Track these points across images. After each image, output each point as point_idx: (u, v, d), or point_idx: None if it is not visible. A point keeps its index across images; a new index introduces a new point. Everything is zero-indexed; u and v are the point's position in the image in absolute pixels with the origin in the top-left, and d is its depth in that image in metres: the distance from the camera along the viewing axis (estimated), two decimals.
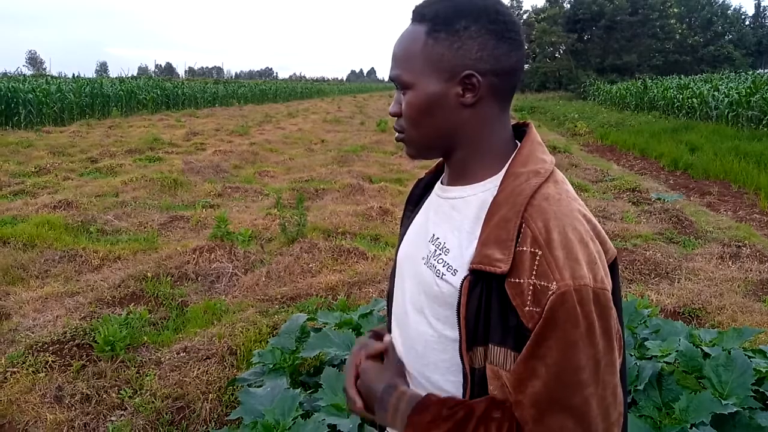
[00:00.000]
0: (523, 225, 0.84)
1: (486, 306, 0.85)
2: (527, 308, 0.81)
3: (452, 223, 0.94)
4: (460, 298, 0.87)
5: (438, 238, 0.95)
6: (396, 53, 0.93)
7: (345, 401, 1.10)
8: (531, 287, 0.81)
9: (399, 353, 1.03)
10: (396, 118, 0.97)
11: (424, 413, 0.89)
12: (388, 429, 0.99)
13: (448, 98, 0.89)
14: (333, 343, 2.80)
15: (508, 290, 0.83)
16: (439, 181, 1.04)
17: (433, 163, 1.09)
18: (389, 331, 1.11)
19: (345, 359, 2.75)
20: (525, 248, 0.83)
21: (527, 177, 0.88)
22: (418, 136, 0.95)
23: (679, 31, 52.23)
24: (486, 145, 0.94)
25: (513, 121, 1.01)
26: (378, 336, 1.16)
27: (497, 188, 0.90)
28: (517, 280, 0.82)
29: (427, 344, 0.95)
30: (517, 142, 0.98)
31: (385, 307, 1.18)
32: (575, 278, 0.80)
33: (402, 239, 1.10)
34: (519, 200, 0.86)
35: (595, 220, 0.92)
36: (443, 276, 0.91)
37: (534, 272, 0.81)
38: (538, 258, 0.82)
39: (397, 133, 0.99)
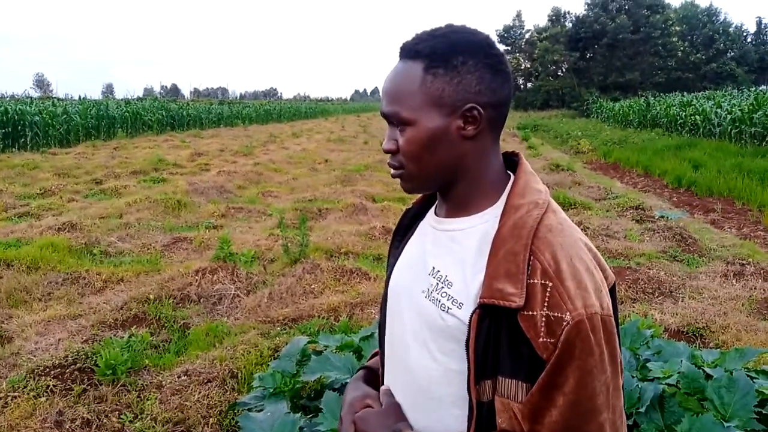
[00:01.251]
0: (532, 258, 0.86)
1: (495, 339, 0.86)
2: (541, 339, 0.83)
3: (453, 255, 0.95)
4: (469, 331, 0.87)
5: (439, 271, 0.95)
6: (391, 90, 0.93)
7: None
8: (544, 319, 0.83)
9: (396, 389, 1.02)
10: (390, 155, 0.97)
11: None
12: None
13: (449, 132, 0.91)
14: (334, 367, 2.78)
15: (521, 323, 0.84)
16: (432, 213, 1.04)
17: None
18: (382, 363, 1.10)
19: (346, 383, 2.74)
20: (536, 281, 0.85)
21: (528, 209, 0.90)
22: (419, 172, 0.95)
23: (681, 48, 52.54)
24: (483, 177, 0.95)
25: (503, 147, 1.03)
26: (370, 372, 1.16)
27: (497, 220, 0.92)
28: (530, 313, 0.83)
29: (431, 378, 0.95)
30: (508, 172, 0.99)
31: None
32: (587, 307, 0.83)
33: (392, 270, 1.09)
34: (524, 233, 0.87)
35: (594, 248, 0.95)
36: (449, 310, 0.91)
37: (546, 304, 0.83)
38: (549, 290, 0.84)
39: (393, 170, 0.98)
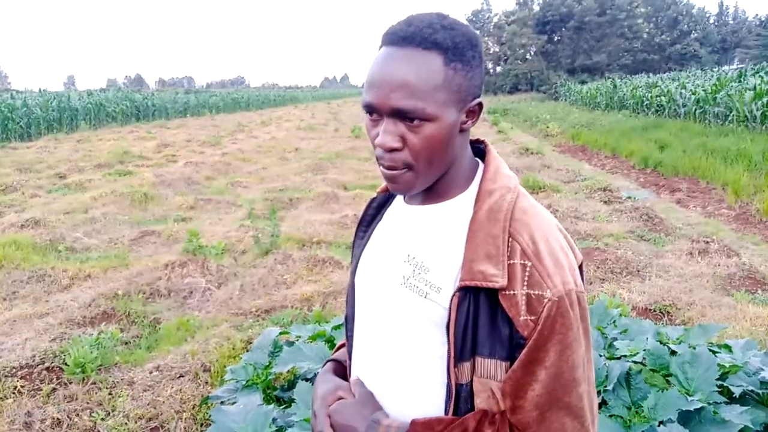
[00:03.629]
0: (511, 239, 0.87)
1: (474, 320, 0.87)
2: (522, 317, 0.85)
3: (429, 241, 0.95)
4: (449, 315, 0.88)
5: (414, 258, 0.95)
6: (408, 83, 0.85)
7: None
8: (524, 297, 0.85)
9: (368, 379, 1.02)
10: (389, 152, 0.89)
11: None
12: None
13: (457, 126, 0.90)
14: (306, 357, 2.78)
15: (502, 302, 0.85)
16: (400, 200, 1.04)
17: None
18: (350, 355, 1.09)
19: (318, 372, 2.74)
20: (515, 261, 0.86)
21: (501, 193, 0.91)
22: (430, 170, 0.91)
23: (647, 30, 53.39)
24: (461, 166, 0.96)
25: None
26: (338, 364, 1.15)
27: (471, 205, 0.93)
28: (511, 292, 0.85)
29: (409, 365, 0.95)
30: (477, 159, 1.00)
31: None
32: (564, 284, 0.86)
33: (358, 261, 1.08)
34: (501, 216, 0.89)
35: (563, 229, 0.97)
36: (427, 295, 0.91)
37: (526, 283, 0.85)
38: (528, 269, 0.86)
39: (392, 171, 0.90)
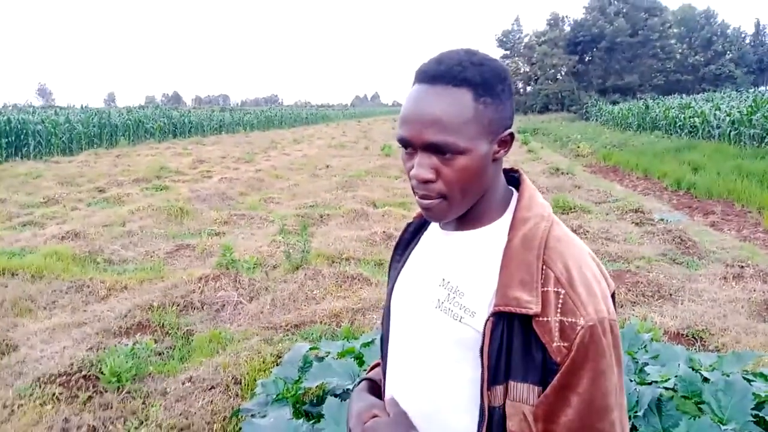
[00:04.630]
0: (544, 267, 0.91)
1: (508, 345, 0.90)
2: (555, 344, 0.87)
3: (464, 266, 0.99)
4: (483, 339, 0.91)
5: (449, 282, 0.99)
6: (440, 118, 0.89)
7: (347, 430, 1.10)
8: (558, 324, 0.88)
9: (402, 399, 1.05)
10: (423, 183, 0.93)
11: None
12: None
13: (489, 157, 0.94)
14: (335, 373, 2.82)
15: (536, 328, 0.89)
16: (436, 226, 1.08)
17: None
18: (384, 374, 1.13)
19: (347, 389, 2.77)
20: (549, 288, 0.89)
21: (536, 221, 0.95)
22: (464, 199, 0.95)
23: (680, 51, 52.69)
24: (495, 194, 1.00)
25: None
26: (372, 383, 1.19)
27: (506, 232, 0.97)
28: (545, 319, 0.88)
29: (443, 386, 0.98)
30: (511, 188, 1.04)
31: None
32: (597, 312, 0.88)
33: (395, 283, 1.12)
34: (535, 244, 0.93)
35: (596, 257, 1.00)
36: (462, 319, 0.95)
37: (559, 310, 0.88)
38: (562, 297, 0.89)
39: (427, 200, 0.95)
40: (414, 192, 0.96)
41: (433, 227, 1.09)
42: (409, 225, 1.17)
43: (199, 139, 27.72)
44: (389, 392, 1.09)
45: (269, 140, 26.30)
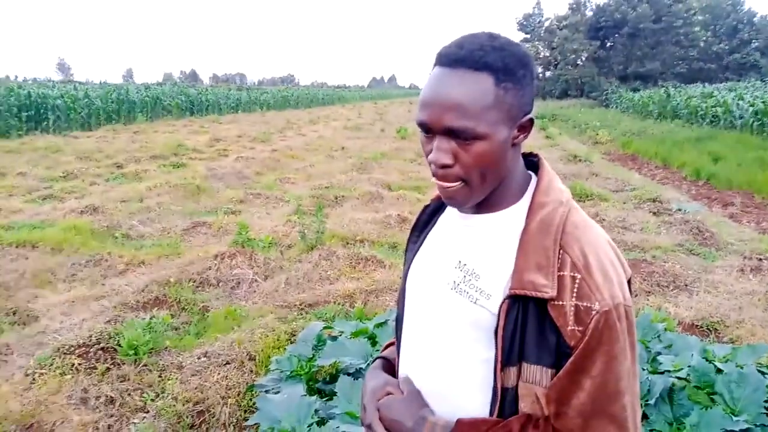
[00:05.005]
0: (561, 252, 0.92)
1: (522, 327, 0.91)
2: (570, 328, 0.88)
3: (480, 249, 0.99)
4: (498, 320, 0.93)
5: (465, 264, 1.00)
6: (460, 103, 0.89)
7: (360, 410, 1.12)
8: (573, 308, 0.88)
9: (416, 378, 1.06)
10: (442, 168, 0.93)
11: None
12: None
13: (509, 142, 0.94)
14: (348, 352, 2.86)
15: (551, 312, 0.90)
16: (454, 209, 1.08)
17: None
18: (398, 353, 1.14)
19: (360, 368, 2.81)
20: (565, 273, 0.90)
21: (553, 206, 0.96)
22: (484, 184, 0.95)
23: (704, 38, 51.61)
24: (514, 178, 1.00)
25: None
26: (386, 362, 1.20)
27: (524, 217, 0.97)
28: (560, 303, 0.89)
29: (457, 367, 1.00)
30: (529, 172, 1.04)
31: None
32: (613, 297, 0.89)
33: (411, 264, 1.13)
34: (552, 229, 0.93)
35: (613, 244, 1.01)
36: (477, 301, 0.96)
37: (575, 294, 0.89)
38: (578, 281, 0.89)
39: (448, 184, 0.94)
40: (434, 177, 0.96)
41: (451, 210, 1.09)
42: (426, 207, 1.17)
43: (215, 118, 27.79)
44: (403, 371, 1.11)
45: (285, 120, 26.30)
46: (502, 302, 0.92)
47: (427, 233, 1.13)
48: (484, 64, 0.90)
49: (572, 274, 0.90)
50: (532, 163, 1.06)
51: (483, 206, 1.01)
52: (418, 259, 1.12)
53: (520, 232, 0.96)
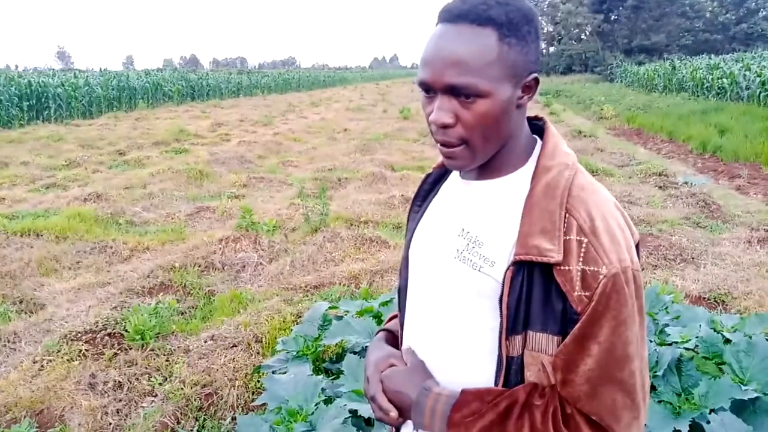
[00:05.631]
0: (567, 215, 0.88)
1: (527, 295, 0.88)
2: (576, 293, 0.85)
3: (484, 216, 0.96)
4: (503, 288, 0.90)
5: (468, 232, 0.97)
6: (461, 59, 0.85)
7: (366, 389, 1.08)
8: (579, 273, 0.85)
9: (420, 349, 1.04)
10: (442, 129, 0.90)
11: (464, 409, 0.92)
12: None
13: (512, 102, 0.90)
14: (354, 331, 2.85)
15: (557, 277, 0.86)
16: (456, 175, 1.05)
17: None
18: (401, 325, 1.12)
19: (366, 346, 2.81)
20: (571, 237, 0.87)
21: (559, 170, 0.92)
22: (485, 145, 0.91)
23: (710, 9, 50.82)
24: (518, 141, 0.97)
25: None
26: (390, 334, 1.18)
27: (528, 181, 0.94)
28: (566, 268, 0.86)
29: (461, 336, 0.97)
30: (534, 136, 1.00)
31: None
32: (621, 261, 0.86)
33: (413, 234, 1.10)
34: (558, 192, 0.89)
35: (620, 207, 0.97)
36: (481, 269, 0.93)
37: (581, 259, 0.85)
38: (584, 245, 0.86)
39: (447, 147, 0.91)
40: (434, 138, 0.93)
41: (453, 177, 1.06)
42: (428, 175, 1.14)
43: (217, 102, 27.70)
44: (407, 342, 1.09)
45: (287, 103, 26.20)
46: (507, 269, 0.89)
47: (430, 202, 1.10)
48: (487, 18, 0.86)
49: (579, 238, 0.86)
50: (538, 127, 1.02)
51: (486, 171, 0.97)
52: (420, 227, 1.09)
53: (524, 197, 0.92)
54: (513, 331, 0.90)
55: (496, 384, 0.93)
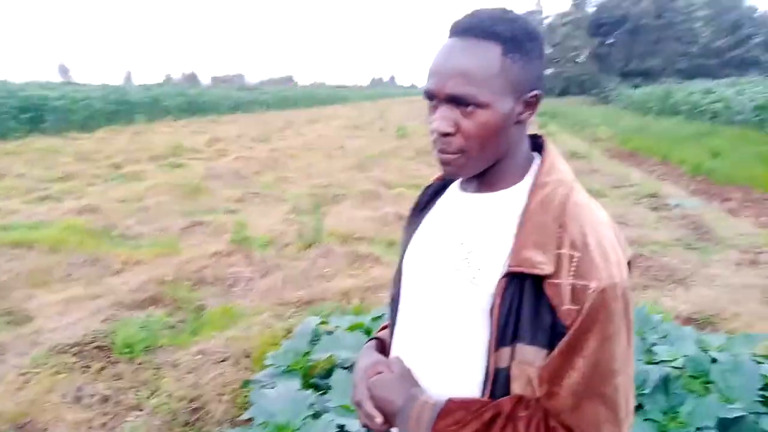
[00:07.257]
0: (560, 230, 0.90)
1: (518, 307, 0.90)
2: (565, 307, 0.87)
3: (480, 229, 0.98)
4: (494, 299, 0.91)
5: (463, 244, 0.98)
6: (465, 70, 0.89)
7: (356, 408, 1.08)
8: (569, 287, 0.87)
9: (409, 358, 1.05)
10: (443, 137, 0.93)
11: (448, 418, 0.93)
12: None
13: (512, 117, 0.93)
14: (344, 346, 2.85)
15: (547, 291, 0.88)
16: (456, 187, 1.07)
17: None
18: (391, 334, 1.13)
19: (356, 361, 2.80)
20: (563, 251, 0.88)
21: (554, 186, 0.95)
22: (481, 156, 0.94)
23: (705, 34, 51.50)
24: (517, 156, 0.99)
25: None
26: (380, 342, 1.19)
27: (525, 196, 0.96)
28: (557, 281, 0.87)
29: (451, 347, 0.98)
30: (534, 153, 1.03)
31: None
32: (610, 277, 0.87)
33: (407, 245, 1.11)
34: (553, 207, 0.92)
35: (615, 225, 1.00)
36: (474, 280, 0.95)
37: (572, 273, 0.87)
38: (576, 260, 0.88)
39: (446, 155, 0.95)
40: (434, 146, 0.96)
41: (452, 190, 1.08)
42: (428, 188, 1.16)
43: (215, 118, 27.78)
44: (395, 351, 1.09)
45: (285, 120, 26.29)
46: (499, 280, 0.91)
47: (426, 213, 1.12)
48: (492, 32, 0.90)
49: (570, 252, 0.88)
50: (537, 144, 1.04)
51: (484, 185, 1.00)
52: (416, 238, 1.10)
53: (521, 211, 0.95)
54: (502, 343, 0.91)
55: (482, 395, 0.94)
